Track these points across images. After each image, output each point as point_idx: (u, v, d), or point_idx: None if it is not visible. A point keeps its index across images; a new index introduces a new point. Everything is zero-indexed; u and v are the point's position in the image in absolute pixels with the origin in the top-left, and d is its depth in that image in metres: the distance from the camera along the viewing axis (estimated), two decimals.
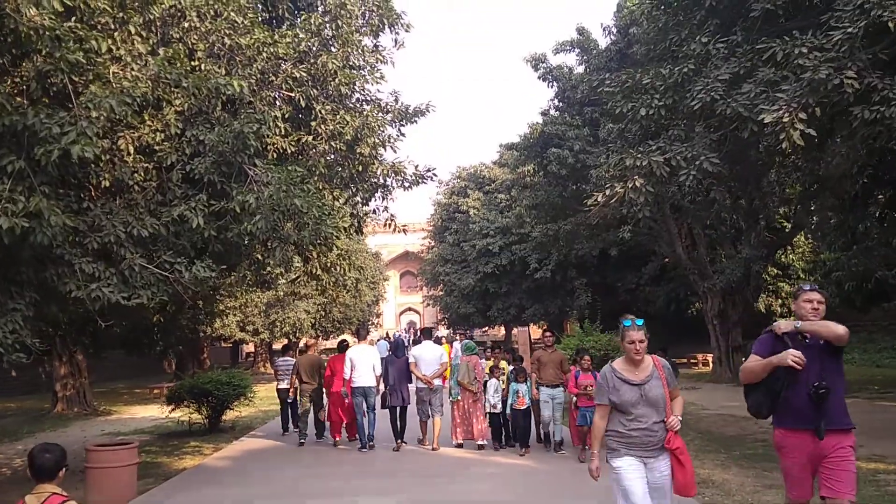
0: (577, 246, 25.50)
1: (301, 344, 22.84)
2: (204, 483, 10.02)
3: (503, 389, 11.35)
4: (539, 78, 23.51)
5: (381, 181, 11.48)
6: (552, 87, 23.77)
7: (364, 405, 11.78)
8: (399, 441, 11.86)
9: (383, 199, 11.63)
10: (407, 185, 11.66)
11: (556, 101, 23.93)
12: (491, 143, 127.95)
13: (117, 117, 7.26)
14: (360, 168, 9.54)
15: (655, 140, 9.21)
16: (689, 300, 30.21)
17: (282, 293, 27.16)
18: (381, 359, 12.28)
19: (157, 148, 8.45)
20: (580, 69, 23.77)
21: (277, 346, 52.15)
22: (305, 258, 11.35)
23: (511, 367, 11.57)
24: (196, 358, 36.21)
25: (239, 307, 27.38)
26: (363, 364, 11.72)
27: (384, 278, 53.21)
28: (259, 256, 8.50)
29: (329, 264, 11.08)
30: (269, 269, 8.94)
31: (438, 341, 15.44)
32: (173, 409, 15.09)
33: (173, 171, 8.49)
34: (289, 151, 9.05)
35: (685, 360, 29.04)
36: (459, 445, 11.70)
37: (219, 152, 8.40)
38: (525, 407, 10.85)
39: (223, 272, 9.02)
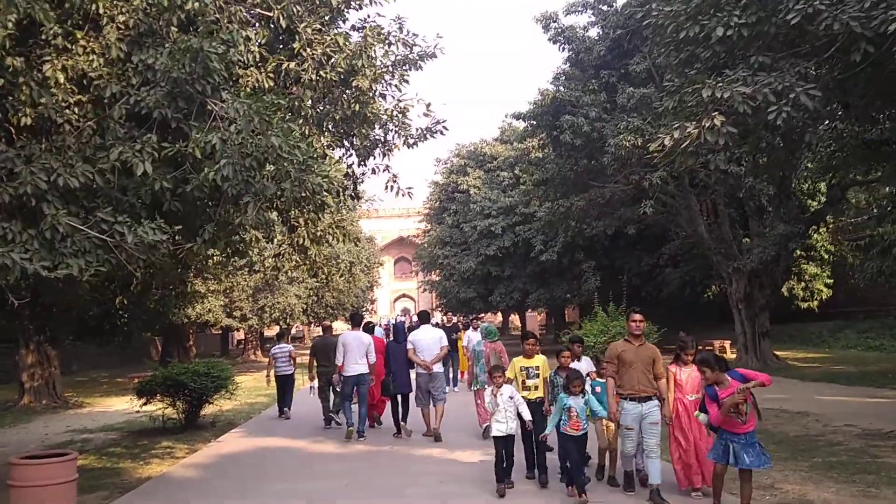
0: (590, 225, 23.59)
1: (297, 329, 21.36)
2: (163, 502, 8.16)
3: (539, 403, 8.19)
4: (549, 40, 21.54)
5: (381, 136, 9.58)
6: (564, 50, 21.79)
7: (357, 395, 11.34)
8: (404, 428, 11.46)
9: (384, 156, 9.71)
10: (412, 140, 9.77)
11: (567, 67, 21.96)
12: (492, 120, 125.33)
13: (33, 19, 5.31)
14: (357, 107, 7.60)
15: (733, 71, 7.23)
16: (705, 283, 28.43)
17: (268, 275, 25.19)
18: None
19: (94, 76, 6.53)
20: (594, 31, 21.82)
21: (269, 333, 50.66)
22: (291, 226, 9.44)
23: (557, 372, 8.22)
24: (181, 346, 34.38)
25: (223, 291, 25.41)
26: (356, 351, 11.24)
27: (379, 263, 51.38)
28: (225, 213, 6.61)
29: (319, 233, 9.16)
30: (242, 233, 7.00)
31: (436, 326, 14.56)
32: (144, 404, 13.32)
33: (115, 105, 6.56)
34: (266, 86, 7.10)
35: (700, 348, 27.25)
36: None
37: (173, 80, 6.48)
38: (581, 433, 7.26)
39: (182, 237, 7.12)
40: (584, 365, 8.97)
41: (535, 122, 22.44)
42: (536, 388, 8.05)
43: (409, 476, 8.62)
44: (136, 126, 6.67)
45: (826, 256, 27.29)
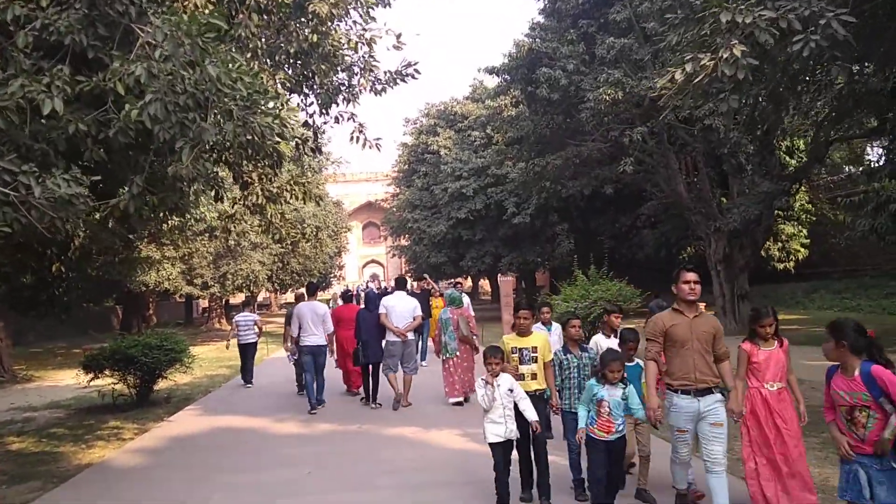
0: (566, 185, 22.67)
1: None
2: (98, 495, 7.16)
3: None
4: None
5: (346, 80, 8.48)
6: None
7: (313, 366, 11.01)
8: (374, 403, 11.06)
9: (348, 102, 8.63)
10: (380, 85, 8.70)
11: (543, 18, 20.80)
12: (463, 78, 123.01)
13: None
14: (315, 38, 6.50)
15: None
16: (681, 245, 27.83)
17: (222, 238, 23.87)
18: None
19: None
20: None
21: (235, 300, 49.26)
22: (244, 182, 8.34)
23: (587, 352, 6.51)
24: (141, 315, 33.05)
25: (181, 257, 24.10)
26: (312, 321, 11.05)
27: (347, 228, 50.08)
28: (158, 164, 5.52)
29: (276, 190, 8.08)
30: (182, 187, 5.91)
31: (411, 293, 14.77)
32: (92, 380, 12.29)
33: (19, 31, 5.40)
34: (205, 12, 5.96)
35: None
36: (460, 403, 10.76)
37: (90, 1, 5.34)
38: (616, 436, 5.53)
39: (107, 191, 6.03)
40: (556, 335, 8.29)
41: (509, 77, 21.32)
42: (534, 376, 6.14)
43: (380, 462, 7.69)
44: (44, 56, 5.51)
45: (803, 216, 26.80)
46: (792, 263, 27.74)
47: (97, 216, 5.99)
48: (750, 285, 20.59)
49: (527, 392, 5.96)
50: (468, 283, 52.64)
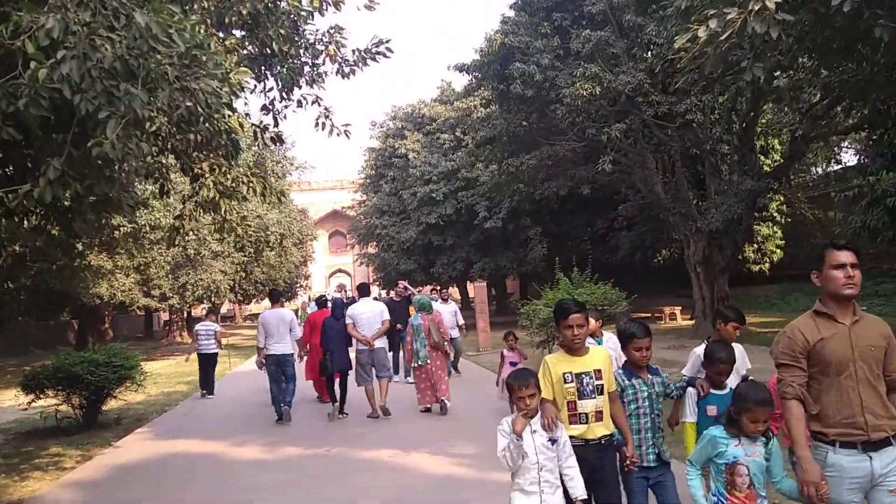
0: (541, 186, 21.88)
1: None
2: None
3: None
4: None
5: (310, 59, 7.54)
6: None
7: (282, 376, 10.73)
8: (341, 414, 10.71)
9: (313, 83, 7.68)
10: (348, 67, 7.77)
11: (515, 13, 20.02)
12: (430, 80, 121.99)
13: None
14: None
15: None
16: (656, 247, 27.26)
17: (178, 243, 22.56)
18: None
19: None
20: None
21: (198, 312, 47.62)
22: (194, 175, 7.31)
23: (659, 376, 4.49)
24: (96, 328, 31.49)
25: (136, 267, 22.74)
26: (279, 329, 10.72)
27: (312, 237, 48.82)
28: (83, 144, 4.53)
29: (231, 183, 7.08)
30: (111, 173, 4.90)
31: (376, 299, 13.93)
32: (32, 401, 11.14)
33: None
34: None
35: (649, 314, 26.09)
36: (428, 409, 10.53)
37: None
38: None
39: (19, 177, 4.99)
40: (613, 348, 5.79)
41: (480, 75, 20.49)
42: (599, 415, 4.05)
43: (352, 491, 6.70)
44: None
45: (778, 217, 26.40)
46: (767, 265, 27.35)
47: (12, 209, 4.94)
48: (735, 287, 20.04)
49: (591, 441, 4.00)
50: (454, 291, 51.43)
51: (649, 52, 17.02)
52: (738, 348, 4.91)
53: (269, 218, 28.44)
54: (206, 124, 4.54)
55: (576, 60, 17.53)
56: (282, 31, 6.24)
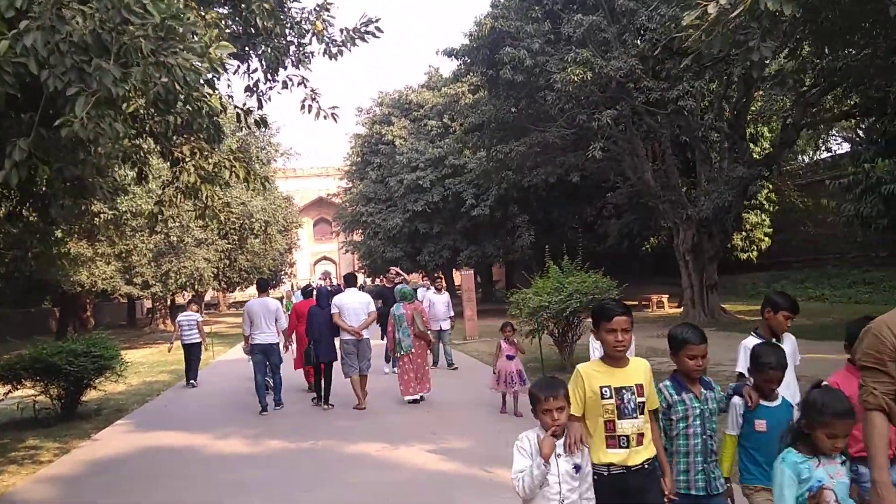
0: (530, 173, 21.66)
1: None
2: None
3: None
4: None
5: (296, 36, 7.22)
6: None
7: (265, 366, 10.73)
8: (325, 404, 10.54)
9: (298, 63, 7.36)
10: (335, 47, 7.46)
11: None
12: (417, 66, 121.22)
13: None
14: None
15: None
16: (644, 235, 27.16)
17: (173, 236, 22.26)
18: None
19: None
20: None
21: (181, 300, 47.05)
22: (174, 159, 6.99)
23: (712, 390, 3.74)
24: (77, 317, 31.01)
25: (118, 254, 22.31)
26: (265, 318, 10.63)
27: (297, 224, 48.36)
28: (51, 124, 4.22)
29: (213, 167, 6.76)
30: (76, 151, 4.59)
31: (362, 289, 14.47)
32: (9, 392, 10.82)
33: None
34: None
35: (636, 303, 25.99)
36: (416, 401, 10.34)
37: None
38: None
39: None
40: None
41: (469, 60, 20.16)
42: (640, 438, 3.39)
43: (340, 487, 6.45)
44: None
45: (766, 205, 26.35)
46: (755, 253, 27.33)
47: None
48: (724, 275, 19.95)
49: (633, 467, 3.35)
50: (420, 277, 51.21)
51: (641, 38, 16.77)
52: (789, 341, 4.40)
53: (253, 205, 28.05)
54: (186, 104, 4.24)
55: (567, 45, 17.27)
56: (266, 6, 5.92)
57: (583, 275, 12.63)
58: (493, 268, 40.59)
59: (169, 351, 15.78)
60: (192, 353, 14.40)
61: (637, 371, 3.47)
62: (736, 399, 3.74)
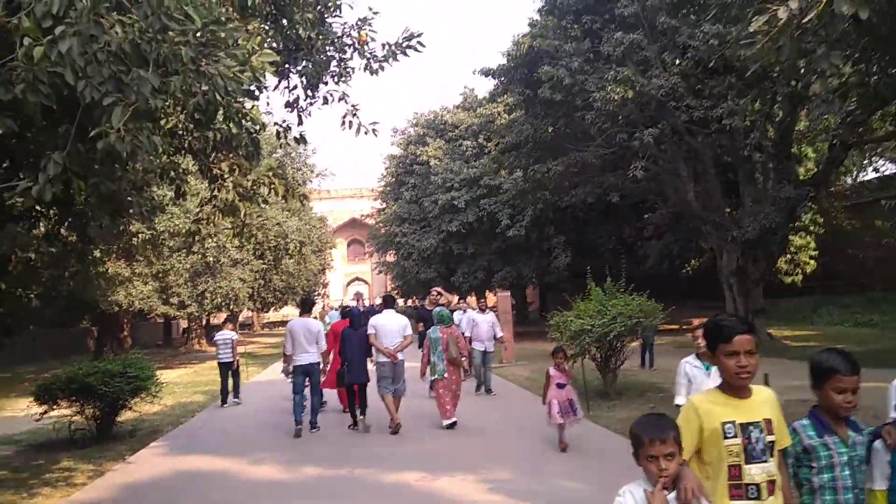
0: (568, 193, 21.31)
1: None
2: None
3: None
4: None
5: (336, 51, 7.05)
6: None
7: (307, 386, 10.73)
8: (362, 419, 10.53)
9: (339, 79, 7.18)
10: (376, 62, 7.27)
11: (542, 16, 19.50)
12: (452, 88, 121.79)
13: None
14: None
15: None
16: (684, 257, 26.54)
17: (210, 256, 22.28)
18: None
19: None
20: None
21: (216, 321, 47.33)
22: (212, 176, 6.83)
23: (859, 432, 3.12)
24: (114, 336, 31.24)
25: (155, 275, 22.40)
26: (306, 338, 10.59)
27: (331, 245, 48.49)
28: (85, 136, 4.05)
29: (251, 184, 6.59)
30: (113, 166, 4.41)
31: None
32: (45, 412, 10.73)
33: None
34: None
35: (677, 327, 25.34)
36: (453, 425, 10.09)
37: None
38: None
39: (18, 172, 4.52)
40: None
41: (506, 79, 19.99)
42: (771, 485, 2.80)
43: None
44: None
45: (812, 227, 25.59)
46: (800, 277, 26.53)
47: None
48: (770, 298, 19.31)
49: None
50: (454, 298, 50.62)
51: (683, 56, 16.43)
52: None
53: (288, 225, 28.10)
54: (226, 116, 4.04)
55: (606, 64, 16.99)
56: (309, 16, 5.75)
57: (626, 297, 12.23)
58: (526, 289, 40.08)
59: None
60: (224, 373, 14.46)
61: (763, 402, 2.88)
62: (878, 444, 3.08)
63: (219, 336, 14.81)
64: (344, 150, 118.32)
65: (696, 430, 2.80)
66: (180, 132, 6.18)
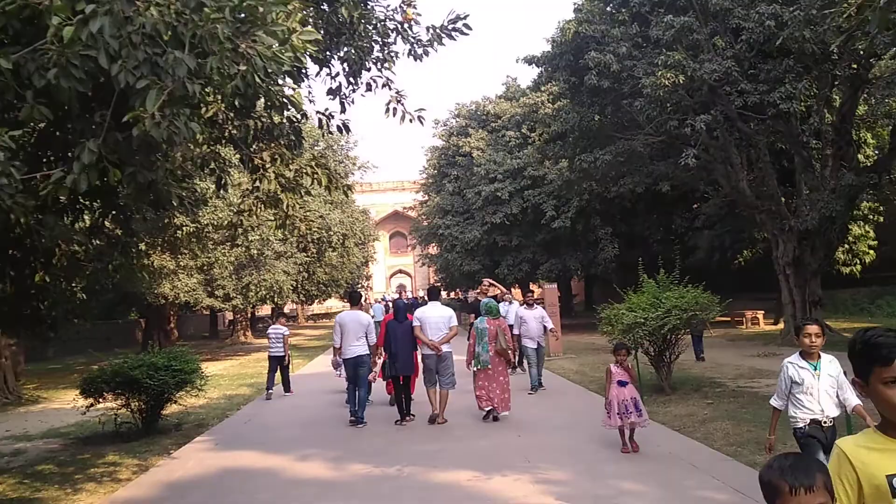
0: (615, 183, 20.78)
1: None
2: None
3: None
4: None
5: (380, 35, 6.77)
6: None
7: (356, 377, 10.68)
8: (407, 416, 10.53)
9: (381, 65, 6.91)
10: (420, 47, 6.98)
11: (589, 2, 18.95)
12: (494, 79, 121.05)
13: None
14: None
15: None
16: (735, 248, 25.72)
17: (254, 249, 22.28)
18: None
19: None
20: None
21: (261, 312, 47.83)
22: (253, 166, 6.62)
23: None
24: (162, 328, 31.64)
25: (200, 267, 22.53)
26: (354, 331, 10.64)
27: (374, 238, 48.52)
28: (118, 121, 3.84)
29: (293, 174, 6.36)
30: (149, 153, 4.20)
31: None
32: (91, 405, 10.74)
33: None
34: None
35: (728, 319, 24.56)
36: (491, 412, 10.15)
37: None
38: None
39: (53, 160, 4.34)
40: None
41: (551, 67, 19.50)
42: None
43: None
44: None
45: (871, 215, 24.55)
46: (858, 267, 25.50)
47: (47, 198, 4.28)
48: (827, 289, 18.53)
49: None
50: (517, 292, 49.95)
51: (737, 39, 15.74)
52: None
53: (331, 218, 28.05)
54: (266, 100, 3.79)
55: (655, 49, 16.42)
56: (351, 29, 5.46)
57: (681, 289, 11.76)
58: (571, 282, 39.49)
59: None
60: (272, 366, 14.66)
61: None
62: None
63: (271, 330, 15.12)
64: (385, 143, 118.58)
65: (853, 487, 2.10)
66: (220, 121, 5.98)
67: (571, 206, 26.73)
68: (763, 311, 25.07)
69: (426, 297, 11.68)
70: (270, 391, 14.42)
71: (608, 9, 18.34)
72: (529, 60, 19.94)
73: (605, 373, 8.16)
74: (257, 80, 3.71)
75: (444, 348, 10.31)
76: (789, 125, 17.24)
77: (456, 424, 10.12)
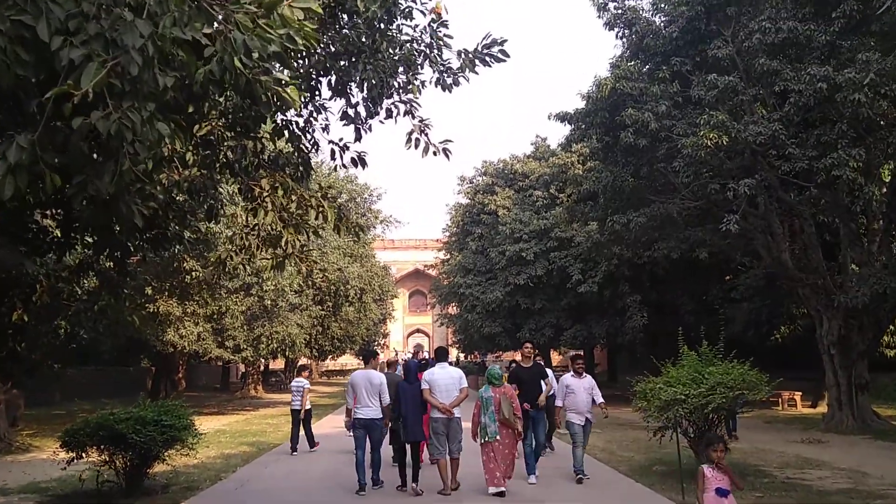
0: (650, 248, 19.76)
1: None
2: None
3: None
4: (605, 25, 17.99)
5: (406, 53, 5.97)
6: (622, 37, 18.19)
7: (366, 441, 10.22)
8: (414, 485, 9.83)
9: (404, 90, 6.08)
10: (450, 76, 6.18)
11: (627, 57, 18.31)
12: (524, 137, 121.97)
13: None
14: None
15: None
16: (774, 323, 24.39)
17: (267, 300, 21.42)
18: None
19: None
20: (658, 19, 18.23)
21: (275, 366, 46.76)
22: (252, 196, 5.74)
23: None
24: (170, 378, 30.74)
25: (209, 315, 21.64)
26: (367, 391, 10.17)
27: (393, 295, 47.64)
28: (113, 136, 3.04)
29: (295, 207, 5.45)
30: (99, 154, 3.33)
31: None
32: (72, 460, 9.80)
33: None
34: None
35: (764, 399, 22.98)
36: (502, 494, 9.39)
37: None
38: None
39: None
40: None
41: (584, 124, 18.78)
42: None
43: None
44: None
45: None
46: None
47: None
48: (875, 372, 17.21)
49: None
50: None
51: (786, 101, 14.90)
52: None
53: (350, 271, 27.26)
54: (247, 88, 2.91)
55: (696, 109, 15.63)
56: (374, 6, 4.63)
57: (727, 365, 10.62)
58: (594, 350, 38.06)
59: None
60: (292, 420, 14.80)
61: None
62: None
63: (293, 383, 15.45)
64: (408, 200, 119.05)
65: None
66: (214, 141, 5.13)
67: (599, 271, 25.67)
68: (801, 393, 23.56)
69: (433, 358, 11.26)
70: (295, 451, 14.28)
71: (647, 67, 17.65)
72: (562, 117, 19.25)
73: (697, 476, 6.13)
74: (237, 63, 2.82)
75: (455, 412, 9.81)
76: (836, 195, 16.22)
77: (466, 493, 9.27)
